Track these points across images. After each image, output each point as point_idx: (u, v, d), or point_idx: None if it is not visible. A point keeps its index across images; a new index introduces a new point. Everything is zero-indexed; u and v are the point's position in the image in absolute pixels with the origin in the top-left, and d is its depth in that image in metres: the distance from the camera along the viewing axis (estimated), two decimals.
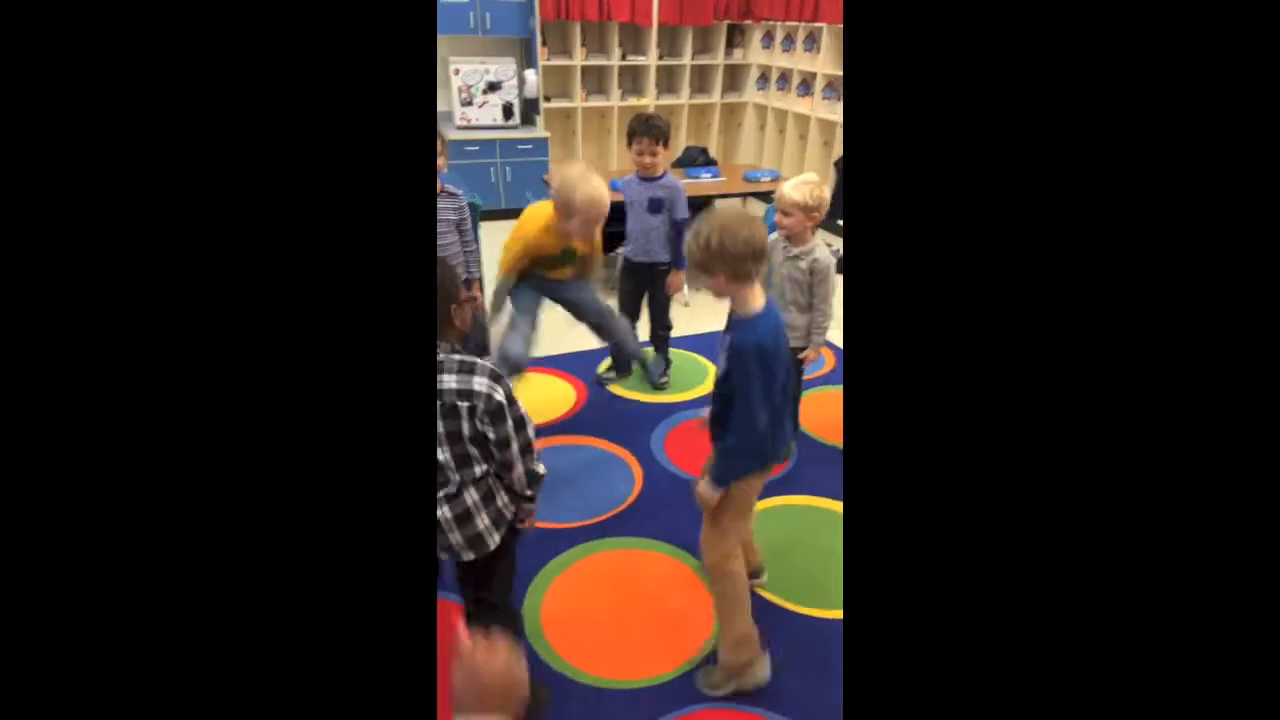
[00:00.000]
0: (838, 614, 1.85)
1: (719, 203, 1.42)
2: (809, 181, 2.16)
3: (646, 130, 2.52)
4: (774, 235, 2.29)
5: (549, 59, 5.06)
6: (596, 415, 2.73)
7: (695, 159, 4.78)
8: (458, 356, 1.22)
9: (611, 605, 1.87)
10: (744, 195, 4.21)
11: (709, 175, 4.13)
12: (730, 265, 1.36)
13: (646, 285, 2.76)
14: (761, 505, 2.25)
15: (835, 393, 2.89)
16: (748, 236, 1.35)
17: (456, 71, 4.66)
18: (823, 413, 2.71)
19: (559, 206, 2.07)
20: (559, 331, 3.41)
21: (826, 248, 2.23)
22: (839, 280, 2.23)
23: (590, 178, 2.02)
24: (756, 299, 1.41)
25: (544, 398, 2.86)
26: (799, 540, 2.12)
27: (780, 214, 2.18)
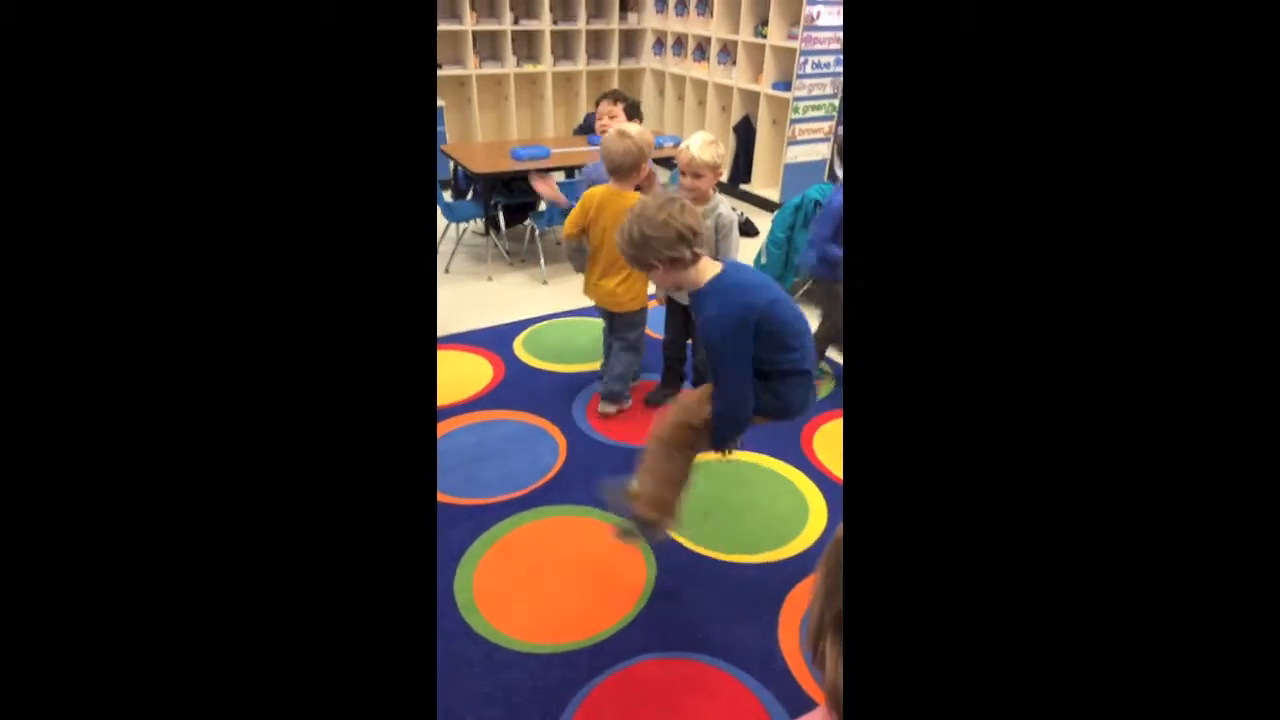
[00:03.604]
0: (765, 558, 1.94)
1: (640, 199, 1.49)
2: (711, 140, 2.19)
3: (613, 95, 2.75)
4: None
5: (438, 24, 4.84)
6: (515, 389, 2.70)
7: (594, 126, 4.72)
8: None
9: (543, 573, 1.88)
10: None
11: None
12: (658, 252, 1.40)
13: None
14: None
15: None
16: (665, 219, 1.39)
17: None
18: None
19: (635, 166, 2.26)
20: (473, 307, 3.34)
21: (726, 203, 2.28)
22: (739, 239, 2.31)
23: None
24: (704, 274, 1.46)
25: (460, 374, 2.80)
26: (727, 494, 2.20)
27: (691, 177, 2.19)
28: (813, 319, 2.79)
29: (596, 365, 2.85)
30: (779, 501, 2.20)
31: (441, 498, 2.13)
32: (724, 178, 2.25)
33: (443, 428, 2.46)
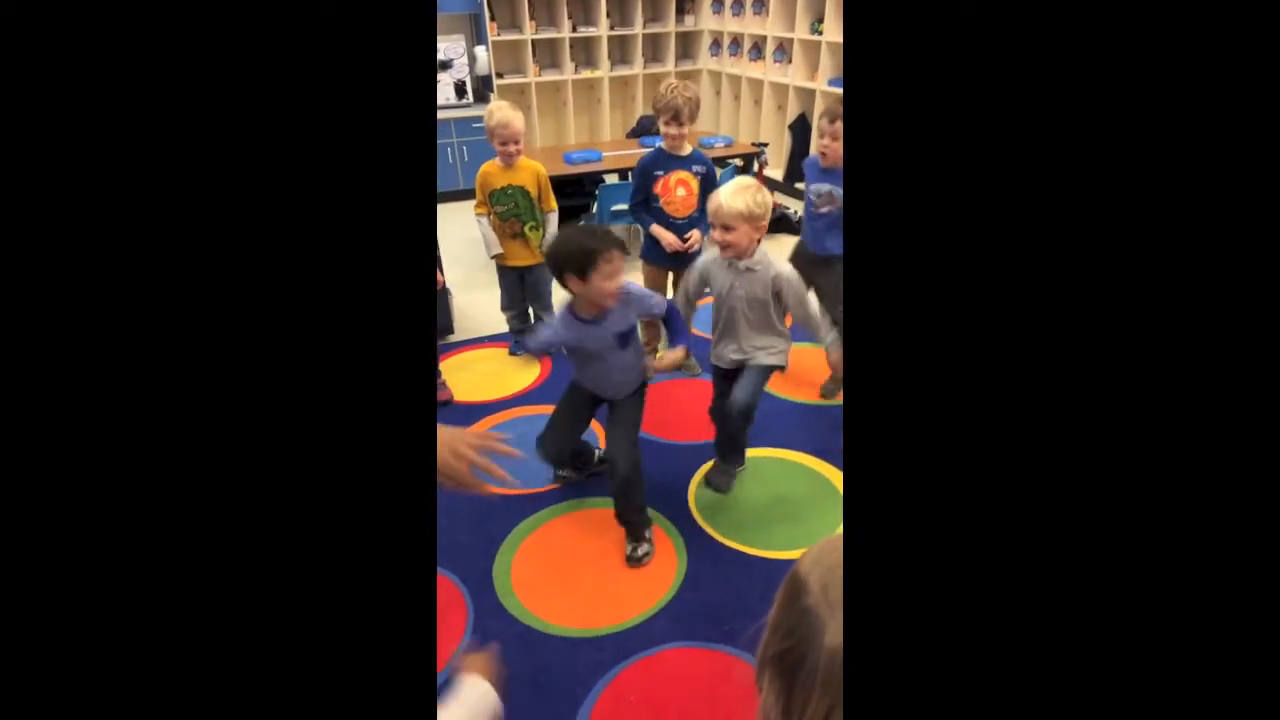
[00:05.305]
0: (794, 553, 1.95)
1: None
2: (748, 186, 1.76)
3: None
4: (711, 256, 1.94)
5: (499, 34, 5.02)
6: (562, 385, 2.78)
7: (650, 128, 4.79)
8: None
9: (578, 561, 1.96)
10: None
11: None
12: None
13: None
14: None
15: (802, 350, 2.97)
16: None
17: None
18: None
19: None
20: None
21: (772, 257, 1.86)
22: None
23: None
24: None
25: (511, 370, 2.91)
26: (757, 488, 2.22)
27: (720, 229, 1.77)
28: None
29: None
30: (810, 496, 2.20)
31: (486, 486, 2.23)
32: (764, 231, 1.84)
33: (491, 420, 2.58)
